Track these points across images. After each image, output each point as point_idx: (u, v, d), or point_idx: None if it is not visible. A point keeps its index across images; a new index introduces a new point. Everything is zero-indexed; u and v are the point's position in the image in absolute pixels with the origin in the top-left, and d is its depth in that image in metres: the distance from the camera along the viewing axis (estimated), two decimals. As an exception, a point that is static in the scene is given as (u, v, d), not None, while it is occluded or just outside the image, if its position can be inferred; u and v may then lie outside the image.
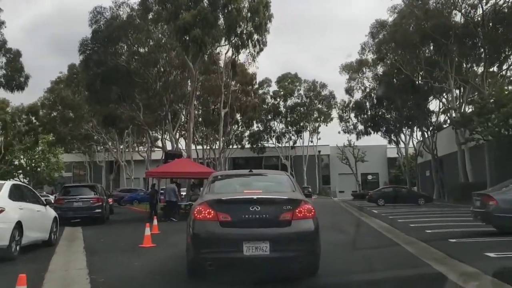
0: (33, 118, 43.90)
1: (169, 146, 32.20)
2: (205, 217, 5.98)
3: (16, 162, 59.63)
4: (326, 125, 55.66)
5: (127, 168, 46.95)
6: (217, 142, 45.18)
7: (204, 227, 5.97)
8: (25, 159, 60.47)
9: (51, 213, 10.97)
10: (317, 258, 6.12)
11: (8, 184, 9.48)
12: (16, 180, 62.39)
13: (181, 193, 22.32)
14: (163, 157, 27.16)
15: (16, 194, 9.30)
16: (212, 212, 5.97)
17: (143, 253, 9.56)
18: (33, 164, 61.07)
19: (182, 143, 37.88)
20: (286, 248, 5.84)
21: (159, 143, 38.78)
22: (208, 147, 46.02)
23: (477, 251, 8.58)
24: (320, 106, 54.95)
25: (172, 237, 12.20)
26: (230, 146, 48.87)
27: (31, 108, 43.41)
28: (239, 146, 52.14)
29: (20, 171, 62.01)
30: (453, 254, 7.95)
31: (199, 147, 45.04)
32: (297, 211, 5.99)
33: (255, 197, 6.17)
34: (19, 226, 8.64)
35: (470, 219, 11.87)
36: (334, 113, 52.87)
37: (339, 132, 49.67)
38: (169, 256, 8.88)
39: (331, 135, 75.57)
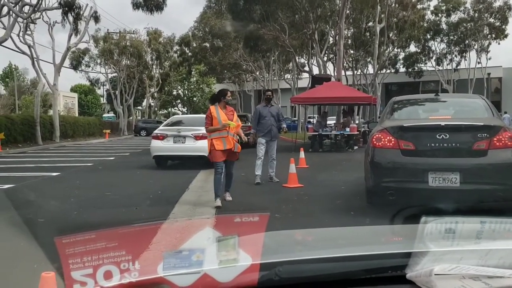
0: (186, 49, 45.39)
1: (316, 71, 30.20)
2: (384, 144, 5.70)
3: (174, 92, 64.10)
4: (499, 43, 47.26)
5: (274, 97, 46.51)
6: (368, 66, 41.60)
7: (383, 156, 5.73)
8: (182, 89, 64.57)
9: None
10: None
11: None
12: (175, 109, 67.72)
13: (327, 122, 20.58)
14: (310, 82, 25.31)
15: None
16: (393, 139, 5.64)
17: (286, 196, 7.96)
18: (189, 94, 65.04)
19: (330, 68, 35.49)
20: (480, 181, 5.35)
21: (306, 68, 36.92)
22: (359, 72, 42.72)
23: None
24: (492, 20, 46.52)
25: (322, 174, 10.53)
26: (383, 71, 44.66)
27: (183, 39, 44.73)
28: (393, 70, 47.48)
29: (178, 101, 66.71)
30: None
31: (348, 72, 42.04)
32: (495, 139, 5.37)
33: (442, 123, 5.63)
34: None
35: None
36: (510, 28, 44.41)
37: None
38: (319, 205, 7.12)
39: (504, 54, 64.95)
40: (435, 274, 0.92)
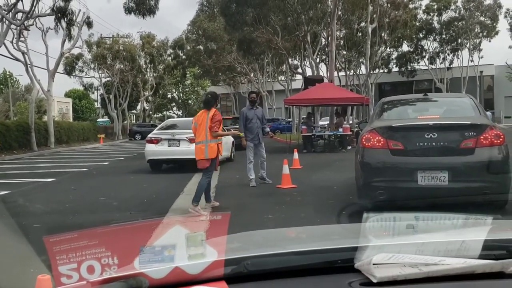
0: (180, 52, 45.44)
1: (309, 73, 30.35)
2: (374, 145, 5.78)
3: (169, 96, 64.12)
4: (490, 41, 47.73)
5: (269, 98, 46.73)
6: (361, 66, 41.79)
7: (373, 156, 5.82)
8: (176, 93, 64.64)
9: (231, 139, 14.47)
10: (506, 190, 5.43)
11: None
12: (170, 112, 67.71)
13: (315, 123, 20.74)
14: (303, 84, 25.47)
15: None
16: (382, 139, 5.73)
17: (280, 197, 8.05)
18: (184, 97, 65.11)
19: (322, 70, 35.68)
20: (468, 179, 5.42)
21: (299, 70, 37.10)
22: (351, 73, 42.93)
23: None
24: (482, 18, 46.90)
25: (316, 175, 10.63)
26: (376, 70, 44.87)
27: (177, 42, 44.78)
28: (386, 70, 47.71)
29: (173, 104, 66.76)
30: None
31: (341, 73, 42.24)
32: (481, 137, 5.47)
33: (431, 123, 5.72)
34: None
35: None
36: (501, 26, 44.79)
37: (510, 47, 41.98)
38: (311, 206, 7.19)
39: (496, 53, 65.71)
40: (373, 264, 1.06)
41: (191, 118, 20.00)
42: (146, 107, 56.55)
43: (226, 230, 1.36)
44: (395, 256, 1.07)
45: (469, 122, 5.78)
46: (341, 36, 36.28)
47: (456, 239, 1.30)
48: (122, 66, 41.83)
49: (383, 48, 39.79)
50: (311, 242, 1.44)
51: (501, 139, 5.54)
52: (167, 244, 1.29)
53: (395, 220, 1.74)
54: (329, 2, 24.54)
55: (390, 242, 1.33)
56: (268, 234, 1.72)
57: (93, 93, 56.26)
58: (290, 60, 37.46)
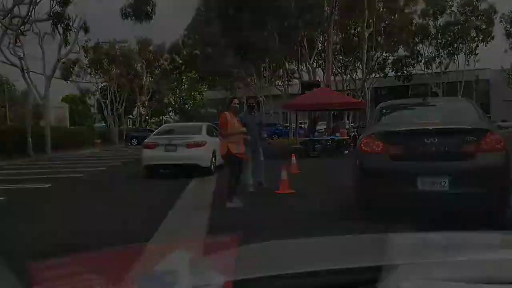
0: (176, 57, 45.43)
1: (305, 77, 30.39)
2: (373, 149, 5.71)
3: (166, 100, 63.96)
4: (486, 45, 47.83)
5: (266, 103, 46.75)
6: (357, 71, 41.92)
7: (372, 161, 5.74)
8: (173, 97, 64.51)
9: None
10: (507, 195, 5.37)
11: (205, 124, 13.67)
12: (166, 117, 67.57)
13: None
14: (300, 89, 25.49)
15: (209, 131, 12.97)
16: (381, 144, 5.66)
17: (278, 202, 8.01)
18: (180, 102, 65.01)
19: (319, 74, 35.75)
20: (469, 184, 5.30)
21: (296, 75, 37.14)
22: (348, 77, 43.00)
23: None
24: (478, 23, 47.12)
25: (314, 180, 10.60)
26: (372, 75, 44.98)
27: (173, 47, 44.78)
28: (381, 75, 47.79)
29: (170, 109, 66.62)
30: None
31: (338, 78, 42.31)
32: (482, 142, 5.40)
33: (430, 128, 5.68)
34: (214, 153, 12.05)
35: None
36: (496, 30, 45.01)
37: (505, 51, 42.15)
38: (310, 211, 7.10)
39: (491, 57, 65.88)
40: None
41: (187, 123, 19.90)
42: (143, 112, 56.39)
43: (235, 253, 1.24)
44: (426, 284, 0.95)
45: (470, 127, 5.71)
46: (338, 41, 36.39)
47: (494, 257, 1.18)
48: (118, 71, 41.78)
49: (379, 52, 39.87)
50: (325, 260, 1.27)
51: (502, 144, 5.46)
52: (167, 269, 1.16)
53: (424, 237, 1.57)
54: (326, 7, 24.58)
55: (419, 261, 1.17)
56: (277, 247, 1.56)
57: (89, 98, 56.07)
58: (287, 65, 37.51)
